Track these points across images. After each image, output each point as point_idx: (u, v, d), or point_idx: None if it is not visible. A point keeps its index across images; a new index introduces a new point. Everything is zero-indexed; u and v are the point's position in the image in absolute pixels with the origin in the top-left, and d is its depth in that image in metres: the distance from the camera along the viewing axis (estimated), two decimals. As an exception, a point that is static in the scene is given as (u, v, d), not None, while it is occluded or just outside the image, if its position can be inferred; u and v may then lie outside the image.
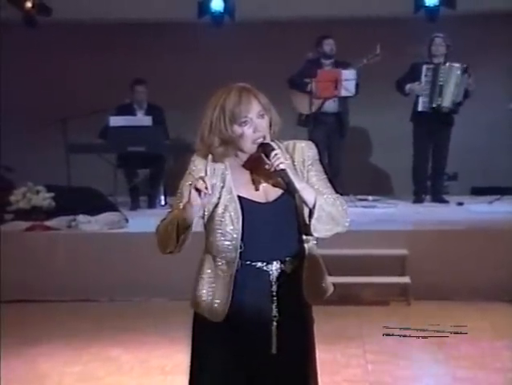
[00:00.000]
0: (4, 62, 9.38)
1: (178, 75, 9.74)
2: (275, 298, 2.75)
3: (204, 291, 2.78)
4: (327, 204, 2.75)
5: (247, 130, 2.71)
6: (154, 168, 8.92)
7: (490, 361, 5.19)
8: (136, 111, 8.92)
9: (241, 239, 2.71)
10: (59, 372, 5.19)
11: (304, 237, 2.80)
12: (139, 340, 5.79)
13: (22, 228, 7.33)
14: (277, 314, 2.74)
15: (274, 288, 2.75)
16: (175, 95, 9.47)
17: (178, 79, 9.69)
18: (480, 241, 6.84)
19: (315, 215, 2.71)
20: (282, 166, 2.68)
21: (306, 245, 2.81)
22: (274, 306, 2.74)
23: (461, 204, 8.56)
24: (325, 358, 4.85)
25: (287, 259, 2.77)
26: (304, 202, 2.73)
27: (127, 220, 7.56)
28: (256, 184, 2.78)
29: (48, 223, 7.39)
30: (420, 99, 8.41)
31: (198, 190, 2.58)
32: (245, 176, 2.79)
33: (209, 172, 2.72)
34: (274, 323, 2.74)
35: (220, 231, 2.73)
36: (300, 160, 2.82)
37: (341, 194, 2.91)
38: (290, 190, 2.73)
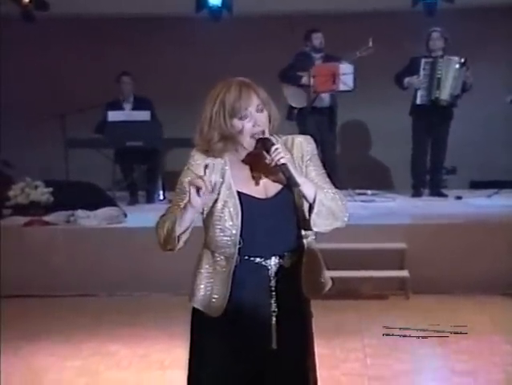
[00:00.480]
0: (2, 57, 9.36)
1: (176, 70, 9.73)
2: (274, 293, 2.75)
3: (202, 286, 2.78)
4: (327, 198, 2.75)
5: (247, 124, 2.69)
6: (151, 163, 8.90)
7: (489, 355, 5.19)
8: (123, 104, 8.87)
9: (240, 235, 2.71)
10: (59, 367, 5.20)
11: (303, 232, 2.80)
12: (138, 335, 5.79)
13: (20, 223, 7.32)
14: (276, 309, 2.74)
15: (273, 283, 2.75)
16: (173, 90, 9.46)
17: (176, 74, 9.68)
18: (479, 235, 6.83)
19: (315, 210, 2.71)
20: (282, 160, 2.67)
21: (304, 240, 2.81)
22: (272, 301, 2.74)
23: (459, 197, 8.56)
24: (324, 352, 4.88)
25: (286, 254, 2.77)
26: (304, 197, 2.73)
27: (125, 215, 7.55)
28: (256, 179, 2.77)
29: (46, 218, 7.38)
30: (419, 93, 8.40)
31: (197, 189, 2.56)
32: (245, 171, 2.78)
33: (208, 169, 2.70)
34: (274, 318, 2.74)
35: (219, 226, 2.73)
36: (299, 155, 2.82)
37: (338, 188, 2.90)
38: (290, 185, 2.72)
